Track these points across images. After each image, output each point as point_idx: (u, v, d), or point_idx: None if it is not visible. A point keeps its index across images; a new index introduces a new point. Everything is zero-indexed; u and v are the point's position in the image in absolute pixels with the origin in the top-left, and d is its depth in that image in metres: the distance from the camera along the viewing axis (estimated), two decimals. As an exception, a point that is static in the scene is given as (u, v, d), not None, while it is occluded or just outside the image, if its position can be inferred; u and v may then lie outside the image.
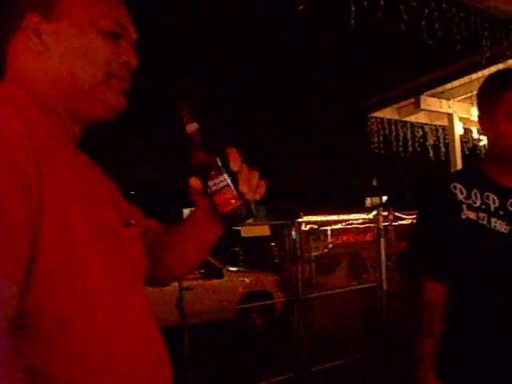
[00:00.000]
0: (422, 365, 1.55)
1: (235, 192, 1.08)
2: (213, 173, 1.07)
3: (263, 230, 11.97)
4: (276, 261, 12.45)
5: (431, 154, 7.95)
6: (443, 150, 7.74)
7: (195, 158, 1.09)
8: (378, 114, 7.39)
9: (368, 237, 10.17)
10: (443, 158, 7.77)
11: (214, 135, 1.22)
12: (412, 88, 6.72)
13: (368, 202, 34.47)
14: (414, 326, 1.61)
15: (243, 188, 1.07)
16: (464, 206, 1.54)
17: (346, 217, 12.28)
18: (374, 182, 36.65)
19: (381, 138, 7.55)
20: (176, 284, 4.50)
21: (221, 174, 1.07)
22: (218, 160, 1.08)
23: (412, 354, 1.58)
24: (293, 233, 5.61)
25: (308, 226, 10.17)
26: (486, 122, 1.55)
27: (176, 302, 4.59)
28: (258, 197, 1.11)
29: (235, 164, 1.08)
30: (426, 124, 7.74)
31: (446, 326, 1.55)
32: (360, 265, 8.85)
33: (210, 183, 1.07)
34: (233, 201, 1.07)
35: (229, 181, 1.07)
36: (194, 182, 1.10)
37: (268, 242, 14.01)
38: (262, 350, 6.43)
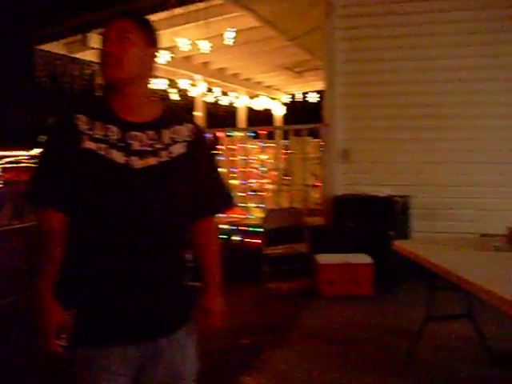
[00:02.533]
0: (42, 291, 1.60)
1: None
2: None
3: None
4: None
5: (99, 92, 8.06)
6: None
7: None
8: (46, 47, 7.15)
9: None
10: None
11: None
12: (79, 25, 6.67)
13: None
14: (38, 254, 1.63)
15: None
16: (85, 136, 1.59)
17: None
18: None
19: (48, 73, 7.35)
20: None
21: None
22: None
23: (35, 281, 1.61)
24: None
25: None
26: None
27: None
28: None
29: None
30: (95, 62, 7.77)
31: (67, 253, 1.62)
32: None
33: None
34: None
35: None
36: None
37: None
38: None
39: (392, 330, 4.26)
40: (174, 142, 1.70)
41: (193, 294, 1.80)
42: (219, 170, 1.91)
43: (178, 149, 1.70)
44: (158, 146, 1.66)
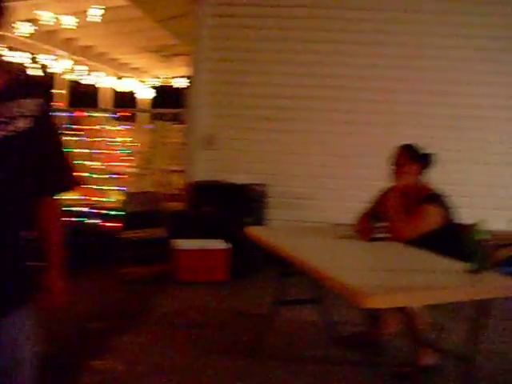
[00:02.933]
0: None
1: None
2: None
3: None
4: None
5: None
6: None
7: None
8: None
9: None
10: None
11: None
12: None
13: None
14: None
15: None
16: None
17: None
18: None
19: None
20: None
21: None
22: None
23: None
24: None
25: None
26: None
27: None
28: None
29: None
30: None
31: None
32: None
33: None
34: None
35: None
36: None
37: None
38: None
39: (245, 315, 4.40)
40: (20, 116, 1.63)
41: (34, 274, 1.75)
42: (65, 149, 1.86)
43: (23, 123, 1.63)
44: (1, 119, 1.58)
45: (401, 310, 2.70)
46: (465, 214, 2.57)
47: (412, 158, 3.55)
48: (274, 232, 3.93)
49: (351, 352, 3.68)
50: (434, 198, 3.44)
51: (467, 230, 2.55)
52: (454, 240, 2.93)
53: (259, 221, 5.71)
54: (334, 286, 2.31)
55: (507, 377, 3.38)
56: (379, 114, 6.18)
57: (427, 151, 3.57)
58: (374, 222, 3.34)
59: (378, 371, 3.39)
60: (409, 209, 3.39)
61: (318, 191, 6.21)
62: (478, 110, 6.13)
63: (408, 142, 3.63)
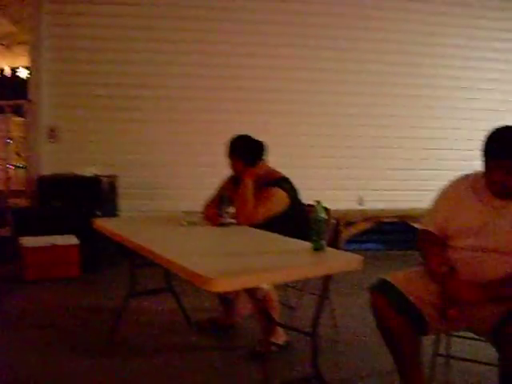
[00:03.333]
0: None
1: None
2: None
3: None
4: None
5: None
6: None
7: None
8: None
9: None
10: None
11: None
12: None
13: None
14: None
15: None
16: None
17: None
18: None
19: None
20: None
21: None
22: None
23: None
24: None
25: None
26: None
27: None
28: None
29: None
30: None
31: None
32: None
33: None
34: None
35: None
36: None
37: None
38: None
39: (99, 310, 4.29)
40: None
41: None
42: None
43: None
44: None
45: (252, 292, 2.80)
46: (314, 196, 2.71)
47: (234, 151, 3.65)
48: (123, 223, 3.88)
49: (207, 337, 3.76)
50: (280, 182, 3.57)
51: (310, 210, 2.65)
52: (301, 221, 3.05)
53: (110, 213, 5.60)
54: (182, 272, 2.32)
55: (349, 347, 3.64)
56: (224, 102, 6.33)
57: (259, 139, 3.66)
58: (221, 208, 3.41)
59: (233, 354, 3.49)
60: (255, 194, 3.50)
61: (169, 180, 6.23)
62: (310, 96, 6.52)
63: (241, 133, 3.71)
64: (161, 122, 6.24)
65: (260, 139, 3.66)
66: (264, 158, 3.65)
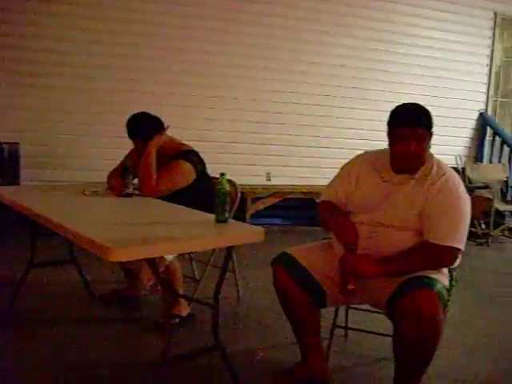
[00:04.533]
0: None
1: None
2: None
3: None
4: None
5: None
6: None
7: None
8: None
9: None
10: None
11: None
12: None
13: None
14: None
15: None
16: None
17: None
18: None
19: None
20: None
21: None
22: None
23: None
24: None
25: None
26: None
27: None
28: None
29: None
30: None
31: None
32: None
33: None
34: None
35: None
36: None
37: None
38: None
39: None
40: None
41: None
42: None
43: None
44: None
45: (154, 264, 2.80)
46: (223, 170, 2.72)
47: (130, 133, 3.63)
48: (24, 192, 3.74)
49: (110, 309, 3.74)
50: (187, 154, 3.57)
51: (215, 183, 2.66)
52: (207, 194, 3.07)
53: (12, 181, 5.37)
54: (81, 242, 2.28)
55: (253, 320, 3.74)
56: (132, 70, 6.22)
57: (153, 114, 3.65)
58: (125, 178, 3.37)
59: (136, 326, 3.48)
60: (162, 166, 3.48)
61: (73, 150, 6.05)
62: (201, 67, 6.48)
63: (135, 112, 3.67)
64: (67, 90, 6.00)
65: (162, 113, 3.66)
66: (162, 130, 3.62)
